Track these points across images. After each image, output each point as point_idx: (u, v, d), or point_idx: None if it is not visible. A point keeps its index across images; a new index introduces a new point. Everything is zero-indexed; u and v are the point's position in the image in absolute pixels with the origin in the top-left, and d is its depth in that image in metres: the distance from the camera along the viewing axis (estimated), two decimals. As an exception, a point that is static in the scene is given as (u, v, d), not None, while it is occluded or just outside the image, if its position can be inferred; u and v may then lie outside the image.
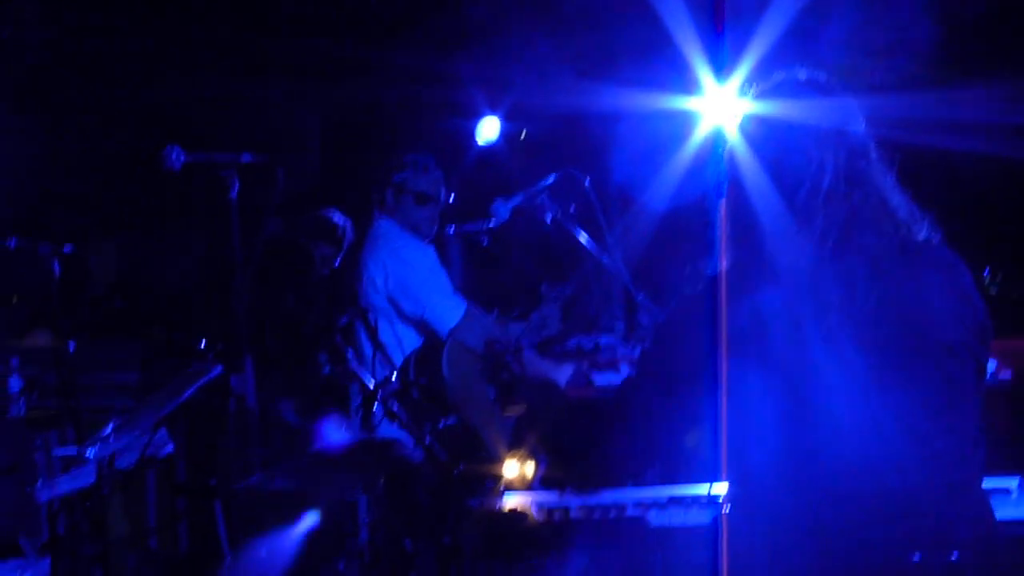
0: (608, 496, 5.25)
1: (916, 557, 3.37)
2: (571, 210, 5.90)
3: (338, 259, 6.70)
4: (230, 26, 7.07)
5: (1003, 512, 3.75)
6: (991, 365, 5.67)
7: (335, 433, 5.79)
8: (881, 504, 3.38)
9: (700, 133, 4.07)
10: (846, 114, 3.57)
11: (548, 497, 5.33)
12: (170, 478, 6.33)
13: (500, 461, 5.49)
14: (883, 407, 3.38)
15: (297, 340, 6.21)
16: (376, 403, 5.49)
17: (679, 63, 4.83)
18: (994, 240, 6.78)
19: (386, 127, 7.13)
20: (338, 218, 6.76)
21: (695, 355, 3.61)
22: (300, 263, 6.47)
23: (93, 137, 7.21)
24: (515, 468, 5.49)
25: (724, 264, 3.52)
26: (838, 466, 3.41)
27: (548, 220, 5.88)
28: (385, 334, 5.88)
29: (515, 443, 5.65)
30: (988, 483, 3.67)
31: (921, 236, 3.52)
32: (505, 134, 7.22)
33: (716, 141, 3.57)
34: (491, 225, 5.99)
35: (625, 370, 5.93)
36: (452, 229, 6.18)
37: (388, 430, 5.47)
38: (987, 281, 6.52)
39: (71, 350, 6.23)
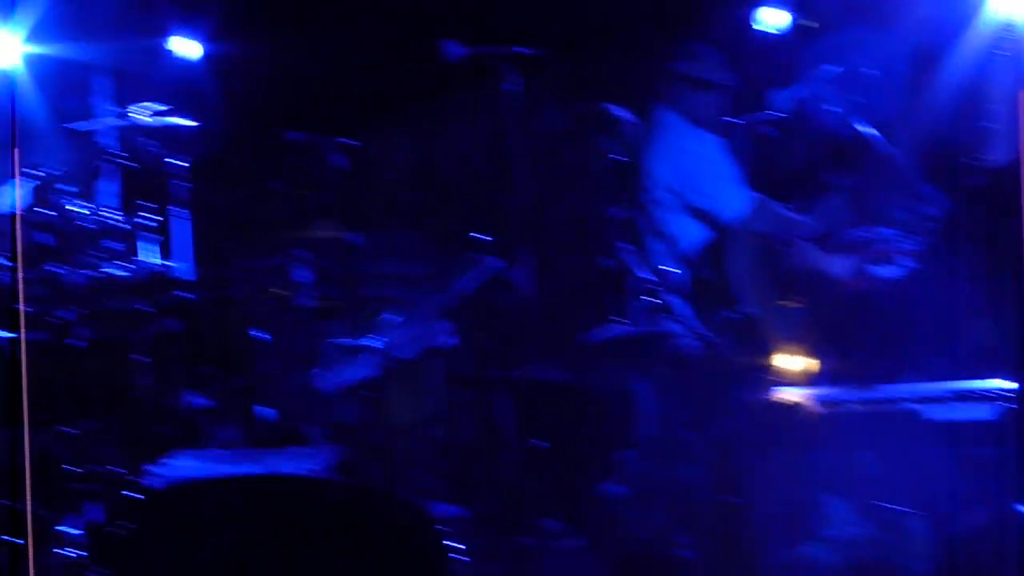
0: (888, 390, 5.23)
1: None
2: (856, 101, 5.88)
3: (617, 152, 6.81)
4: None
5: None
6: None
7: (609, 325, 5.89)
8: None
9: None
10: None
11: (828, 391, 5.34)
12: (452, 368, 6.55)
13: (780, 354, 5.53)
14: None
15: (576, 234, 6.35)
16: (652, 296, 5.62)
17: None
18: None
19: (668, 16, 7.18)
20: (618, 111, 6.85)
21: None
22: (580, 156, 6.59)
23: (374, 33, 7.48)
24: (795, 361, 5.52)
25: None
26: None
27: (831, 111, 5.87)
28: (666, 226, 5.94)
29: (795, 336, 5.71)
30: None
31: None
32: (791, 23, 7.19)
33: None
34: (774, 115, 6.00)
35: (905, 263, 5.89)
36: (735, 119, 6.19)
37: (663, 322, 5.57)
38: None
39: (357, 241, 6.56)
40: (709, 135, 6.05)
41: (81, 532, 5.33)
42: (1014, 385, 4.72)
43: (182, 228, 7.06)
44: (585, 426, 6.18)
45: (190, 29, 7.79)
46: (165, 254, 6.90)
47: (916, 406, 4.92)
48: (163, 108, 6.95)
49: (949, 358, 5.61)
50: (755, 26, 7.11)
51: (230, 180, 7.87)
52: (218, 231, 7.48)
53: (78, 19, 7.30)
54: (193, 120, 7.02)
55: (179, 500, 4.97)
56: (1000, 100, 5.77)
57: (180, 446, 6.13)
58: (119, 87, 7.25)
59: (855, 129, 5.88)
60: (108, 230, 6.52)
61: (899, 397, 5.07)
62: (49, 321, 6.13)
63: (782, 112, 6.14)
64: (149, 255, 6.71)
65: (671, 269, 5.72)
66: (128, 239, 6.62)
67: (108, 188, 6.95)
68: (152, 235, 6.76)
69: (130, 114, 6.92)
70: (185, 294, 6.74)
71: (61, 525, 5.38)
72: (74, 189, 6.51)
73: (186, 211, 7.07)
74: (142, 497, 4.99)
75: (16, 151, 4.96)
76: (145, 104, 6.95)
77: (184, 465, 5.76)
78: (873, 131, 5.83)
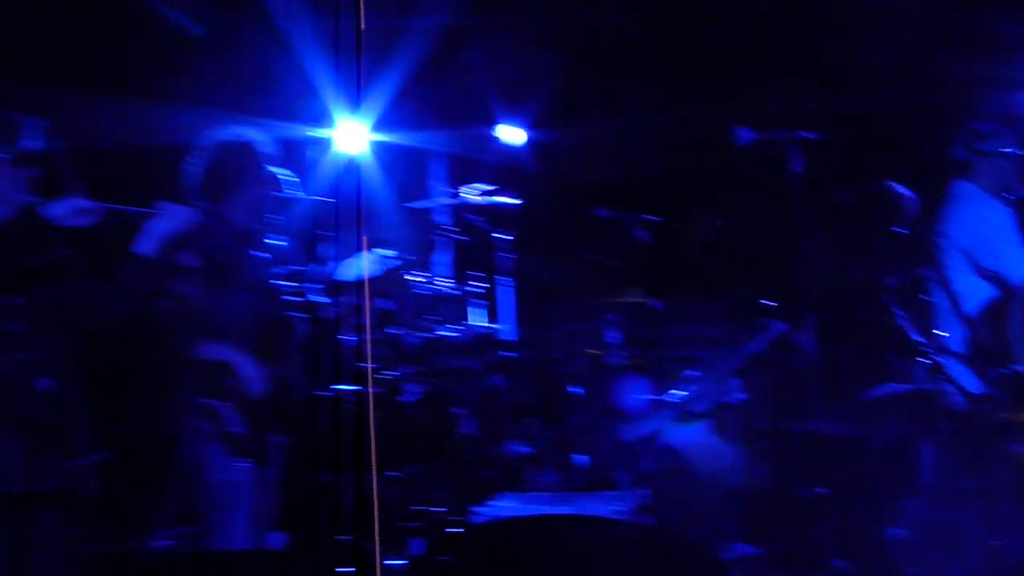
0: None
1: None
2: None
3: (899, 226, 6.99)
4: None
5: None
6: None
7: (888, 383, 6.19)
8: None
9: None
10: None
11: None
12: (744, 422, 6.79)
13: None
14: None
15: (857, 300, 6.53)
16: (925, 356, 5.90)
17: None
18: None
19: (953, 98, 7.38)
20: (899, 188, 7.05)
21: None
22: (862, 230, 6.80)
23: (673, 119, 7.90)
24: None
25: None
26: None
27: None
28: (951, 289, 6.17)
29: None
30: None
31: None
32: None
33: None
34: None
35: None
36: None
37: (938, 380, 5.89)
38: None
39: (660, 307, 6.92)
40: (1000, 202, 6.30)
41: (405, 563, 5.57)
42: None
43: (506, 295, 7.25)
44: (868, 475, 6.36)
45: (514, 118, 8.13)
46: (492, 318, 7.09)
47: None
48: (490, 188, 7.22)
49: None
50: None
51: (549, 252, 8.15)
52: (538, 298, 7.72)
53: (416, 111, 7.67)
54: (516, 199, 7.27)
55: (496, 535, 5.29)
56: None
57: (503, 490, 6.47)
58: (452, 170, 7.62)
59: None
60: (442, 297, 6.79)
61: None
62: (384, 377, 6.31)
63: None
64: (477, 319, 6.94)
65: (942, 333, 5.98)
66: (459, 304, 6.87)
67: (442, 259, 7.22)
68: (480, 301, 7.00)
69: (461, 194, 7.22)
70: (509, 353, 6.97)
71: (387, 559, 5.56)
72: (412, 260, 6.78)
73: (510, 279, 7.27)
74: (462, 531, 5.36)
75: (362, 227, 5.30)
76: (474, 185, 7.23)
77: (505, 506, 6.14)
78: None
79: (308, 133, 6.72)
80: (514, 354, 7.06)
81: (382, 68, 7.52)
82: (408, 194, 7.56)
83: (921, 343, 5.88)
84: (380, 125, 7.20)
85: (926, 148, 6.61)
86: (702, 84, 7.98)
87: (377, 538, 4.70)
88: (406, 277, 6.75)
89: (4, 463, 5.18)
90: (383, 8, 7.30)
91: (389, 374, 6.36)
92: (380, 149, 7.33)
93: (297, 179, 6.35)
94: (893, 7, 7.66)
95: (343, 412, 4.87)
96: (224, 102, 7.22)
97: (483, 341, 6.89)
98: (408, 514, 6.17)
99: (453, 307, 6.91)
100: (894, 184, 6.89)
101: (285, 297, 5.65)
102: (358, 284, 5.86)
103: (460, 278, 7.10)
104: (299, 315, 5.57)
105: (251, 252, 6.02)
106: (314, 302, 5.51)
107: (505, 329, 7.18)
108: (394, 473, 6.26)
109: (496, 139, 8.11)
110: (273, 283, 5.64)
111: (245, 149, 6.09)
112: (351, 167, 6.21)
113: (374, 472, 4.74)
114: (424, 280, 6.84)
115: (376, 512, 4.73)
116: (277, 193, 6.20)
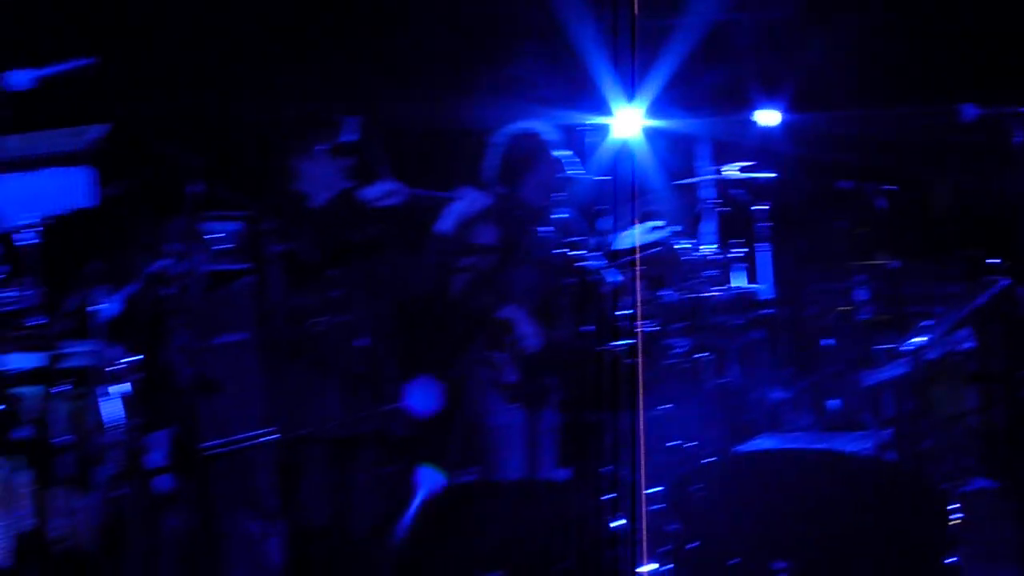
0: None
1: None
2: None
3: None
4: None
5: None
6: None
7: None
8: None
9: None
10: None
11: None
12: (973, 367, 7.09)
13: None
14: None
15: None
16: None
17: None
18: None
19: None
20: None
21: None
22: None
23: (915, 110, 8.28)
24: None
25: None
26: None
27: None
28: None
29: None
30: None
31: None
32: None
33: None
34: None
35: None
36: None
37: None
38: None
39: (898, 267, 7.31)
40: None
41: (662, 489, 5.57)
42: None
43: (764, 259, 7.66)
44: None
45: (770, 103, 8.62)
46: (751, 279, 7.47)
47: None
48: (749, 165, 7.71)
49: None
50: None
51: (802, 221, 8.66)
52: (793, 261, 8.18)
53: (684, 98, 8.36)
54: (772, 174, 7.71)
55: (746, 465, 5.71)
56: None
57: (763, 430, 6.86)
58: (715, 150, 7.90)
59: None
60: (707, 262, 7.20)
61: None
62: (654, 331, 6.62)
63: None
64: (739, 280, 7.34)
65: None
66: (723, 268, 7.28)
67: (707, 228, 7.60)
68: (741, 265, 7.41)
69: (723, 171, 7.69)
70: (767, 311, 7.30)
71: (648, 488, 5.57)
72: (681, 230, 7.19)
73: (767, 245, 7.68)
74: (715, 460, 5.63)
75: (636, 202, 6.10)
76: (735, 163, 7.71)
77: (762, 443, 6.48)
78: None
79: (589, 120, 7.35)
80: (772, 311, 7.36)
81: (654, 61, 8.22)
82: (677, 173, 8.00)
83: None
84: (652, 112, 7.97)
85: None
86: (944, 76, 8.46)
87: (641, 469, 5.20)
88: (675, 245, 7.11)
89: (329, 411, 5.85)
90: (656, 5, 8.18)
91: (659, 329, 6.70)
92: (652, 133, 7.94)
93: (579, 161, 6.93)
94: None
95: (619, 363, 5.37)
96: (518, 93, 8.25)
97: (744, 300, 7.21)
98: (668, 449, 6.49)
99: (717, 271, 7.26)
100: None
101: (569, 264, 5.81)
102: (633, 252, 6.56)
103: (723, 245, 7.49)
104: (581, 279, 5.75)
105: (539, 227, 6.55)
106: (594, 268, 5.71)
107: (763, 289, 7.48)
108: (662, 411, 6.56)
109: (754, 122, 8.42)
110: (558, 252, 5.84)
111: (533, 139, 6.82)
112: (626, 150, 7.20)
113: (640, 412, 5.33)
114: (691, 247, 7.23)
115: (641, 447, 5.26)
116: (562, 174, 6.81)
